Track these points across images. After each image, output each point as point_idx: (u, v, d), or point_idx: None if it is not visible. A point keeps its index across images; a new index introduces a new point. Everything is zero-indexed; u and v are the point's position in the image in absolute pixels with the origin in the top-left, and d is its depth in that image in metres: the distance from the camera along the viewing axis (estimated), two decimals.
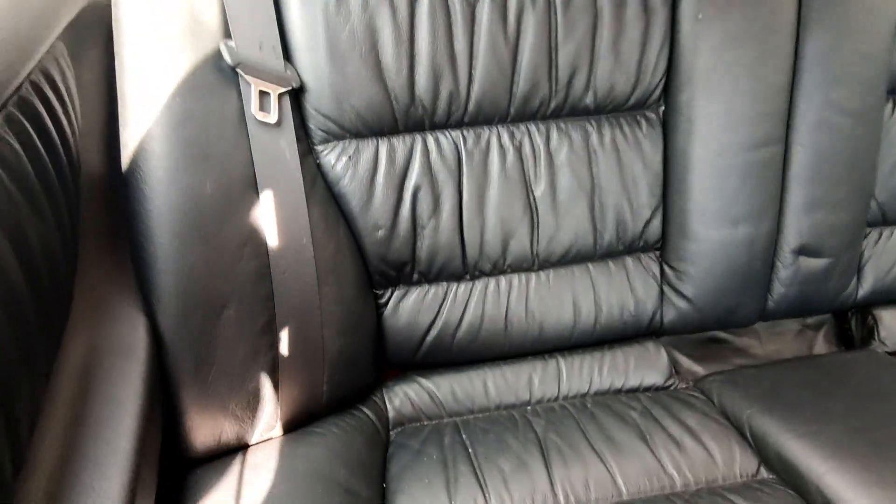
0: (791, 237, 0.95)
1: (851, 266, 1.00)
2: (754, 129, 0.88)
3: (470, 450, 0.80)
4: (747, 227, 0.92)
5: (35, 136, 0.46)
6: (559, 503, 0.74)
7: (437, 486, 0.74)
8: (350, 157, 0.80)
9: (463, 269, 0.89)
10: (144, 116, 0.63)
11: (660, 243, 0.96)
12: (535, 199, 0.89)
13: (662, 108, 0.91)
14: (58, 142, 0.50)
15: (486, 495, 0.74)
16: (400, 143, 0.83)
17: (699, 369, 1.03)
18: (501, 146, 0.87)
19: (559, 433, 0.83)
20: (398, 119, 0.81)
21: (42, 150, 0.47)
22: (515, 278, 0.92)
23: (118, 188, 0.63)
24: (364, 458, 0.77)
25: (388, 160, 0.82)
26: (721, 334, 1.07)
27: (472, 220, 0.87)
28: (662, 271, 0.96)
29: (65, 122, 0.52)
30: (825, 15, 0.86)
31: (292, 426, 0.77)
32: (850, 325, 1.09)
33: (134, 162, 0.62)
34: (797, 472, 0.75)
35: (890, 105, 0.96)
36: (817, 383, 0.89)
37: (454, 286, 0.90)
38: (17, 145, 0.43)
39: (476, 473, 0.76)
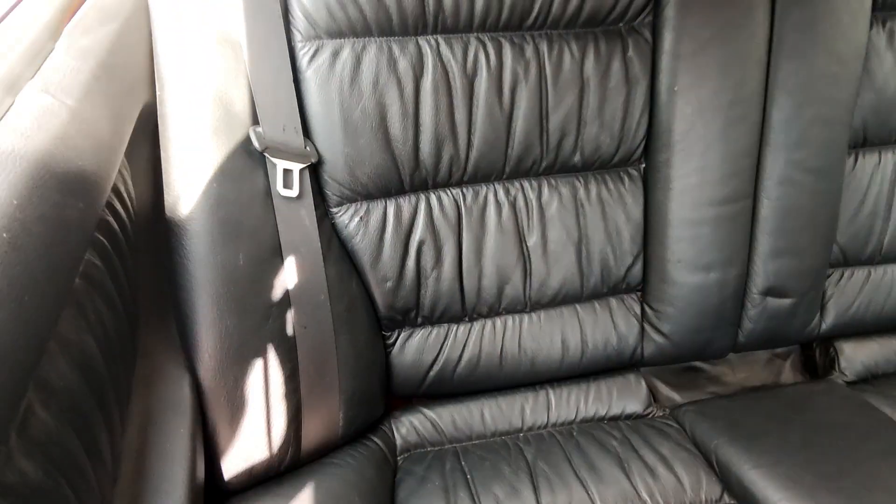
0: (759, 280, 1.05)
1: (815, 303, 1.10)
2: (725, 186, 0.97)
3: (468, 476, 0.91)
4: (719, 272, 1.01)
5: (109, 247, 0.55)
6: None
7: None
8: (361, 217, 0.90)
9: (462, 312, 0.99)
10: (186, 200, 0.72)
11: (641, 286, 1.06)
12: (528, 249, 0.98)
13: (643, 165, 1.01)
14: (122, 240, 0.60)
15: None
16: (406, 203, 0.92)
17: (676, 396, 1.14)
18: (497, 201, 0.96)
19: (547, 461, 0.93)
20: (404, 181, 0.91)
21: (114, 255, 0.56)
22: (510, 319, 1.02)
23: (164, 264, 0.72)
24: (375, 485, 0.87)
25: (395, 218, 0.92)
26: (697, 364, 1.17)
27: (471, 269, 0.97)
28: (643, 311, 1.06)
29: (126, 220, 0.62)
30: (789, 84, 0.95)
31: (313, 457, 0.87)
32: (815, 354, 1.20)
33: (177, 240, 0.72)
34: (755, 499, 0.85)
35: (851, 159, 1.06)
36: (779, 414, 0.99)
37: (455, 327, 1.00)
38: (98, 262, 0.52)
39: (474, 499, 0.87)
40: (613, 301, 1.05)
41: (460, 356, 1.00)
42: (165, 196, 0.72)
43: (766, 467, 0.88)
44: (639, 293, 1.07)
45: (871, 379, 1.12)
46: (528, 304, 1.01)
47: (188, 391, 0.70)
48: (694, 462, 0.93)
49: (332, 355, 0.85)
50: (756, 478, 0.87)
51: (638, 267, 1.04)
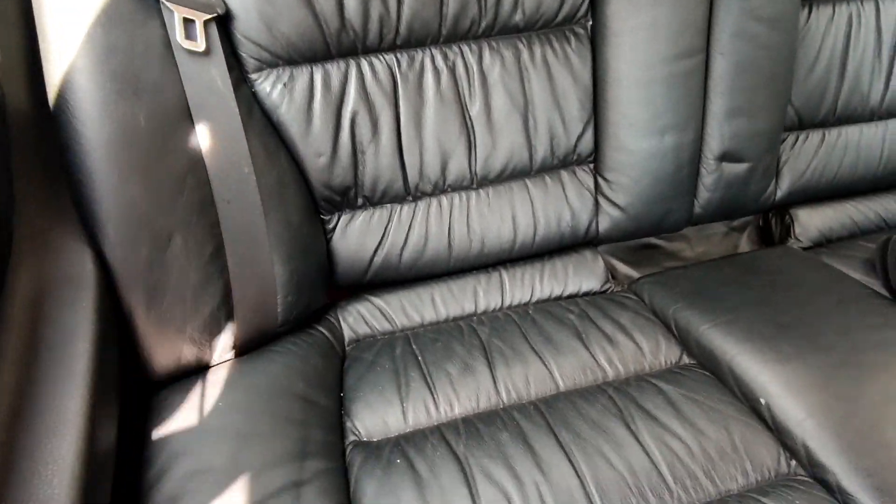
0: (714, 144, 1.01)
1: (770, 169, 1.07)
2: (677, 40, 0.91)
3: (419, 358, 0.86)
4: (673, 136, 0.97)
5: None
6: (501, 399, 0.81)
7: (389, 392, 0.80)
8: (285, 84, 0.81)
9: (405, 191, 0.92)
10: (67, 50, 0.62)
11: (593, 157, 1.00)
12: (470, 119, 0.92)
13: (590, 23, 0.93)
14: None
15: (435, 396, 0.80)
16: (334, 69, 0.84)
17: (634, 273, 1.11)
18: (435, 67, 0.89)
19: (502, 338, 0.89)
20: (330, 44, 0.82)
21: None
22: (456, 197, 0.96)
23: (47, 123, 0.63)
24: (321, 371, 0.82)
25: (323, 86, 0.83)
26: (654, 240, 1.14)
27: (411, 142, 0.90)
28: (596, 183, 1.01)
29: None
30: None
31: (250, 347, 0.81)
32: (771, 224, 1.18)
33: (61, 97, 0.63)
34: (713, 356, 0.83)
35: (805, 11, 1.01)
36: (736, 278, 0.97)
37: (398, 208, 0.93)
38: None
39: (425, 378, 0.83)
40: (565, 174, 1.00)
41: (406, 239, 0.94)
42: (41, 44, 0.62)
43: (723, 325, 0.86)
44: (591, 165, 1.01)
45: (826, 243, 1.11)
46: (474, 181, 0.95)
47: (91, 266, 0.62)
48: (653, 328, 0.91)
49: (263, 233, 0.78)
50: (714, 335, 0.85)
51: (589, 135, 0.98)
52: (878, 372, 0.75)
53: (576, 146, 0.98)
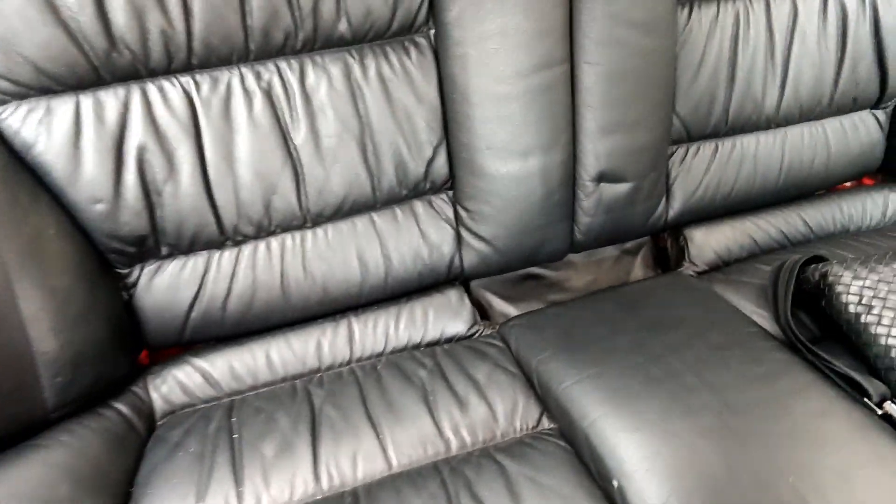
0: (589, 164, 0.89)
1: (658, 187, 0.96)
2: (533, 49, 0.79)
3: (235, 435, 0.73)
4: (539, 158, 0.84)
5: None
6: (321, 487, 0.68)
7: (185, 486, 0.67)
8: (41, 119, 0.66)
9: (221, 235, 0.78)
10: None
11: (449, 183, 0.88)
12: (295, 148, 0.78)
13: (432, 31, 0.80)
14: None
15: (240, 490, 0.67)
16: (109, 97, 0.69)
17: (511, 310, 0.99)
18: (246, 90, 0.75)
19: (337, 404, 0.76)
20: (99, 68, 0.67)
21: None
22: (288, 238, 0.82)
23: None
24: (102, 465, 0.68)
25: (95, 119, 0.69)
26: (536, 270, 1.03)
27: (222, 178, 0.76)
28: (456, 213, 0.89)
29: None
30: None
31: (11, 443, 0.67)
32: (667, 245, 1.07)
33: None
34: (571, 421, 0.72)
35: (685, 12, 0.89)
36: (615, 317, 0.85)
37: (216, 255, 0.80)
38: None
39: (234, 464, 0.69)
40: (419, 205, 0.87)
41: (229, 290, 0.80)
42: None
43: (587, 380, 0.74)
44: (449, 192, 0.89)
45: (722, 266, 1.01)
46: (307, 219, 0.82)
47: None
48: (512, 384, 0.79)
49: (13, 308, 0.63)
50: (574, 394, 0.73)
51: (441, 160, 0.85)
52: (753, 444, 0.64)
53: (427, 173, 0.85)
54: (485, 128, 0.82)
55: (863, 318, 0.78)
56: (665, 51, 0.86)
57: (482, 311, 0.99)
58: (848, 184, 1.15)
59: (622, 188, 0.92)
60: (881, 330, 0.77)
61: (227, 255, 0.80)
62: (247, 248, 0.81)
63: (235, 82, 0.74)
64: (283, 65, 0.76)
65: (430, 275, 0.90)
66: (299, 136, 0.78)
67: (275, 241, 0.82)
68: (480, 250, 0.90)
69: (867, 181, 1.17)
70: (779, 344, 0.78)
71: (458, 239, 0.90)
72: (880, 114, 1.06)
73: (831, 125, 1.04)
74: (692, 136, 0.96)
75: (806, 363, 0.76)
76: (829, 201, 1.08)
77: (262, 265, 0.81)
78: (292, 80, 0.76)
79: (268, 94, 0.75)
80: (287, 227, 0.82)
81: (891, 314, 0.78)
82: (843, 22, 0.96)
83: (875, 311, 0.78)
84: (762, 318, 0.87)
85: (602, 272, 1.05)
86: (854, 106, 1.03)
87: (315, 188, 0.80)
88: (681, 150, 0.97)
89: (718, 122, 0.96)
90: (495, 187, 0.85)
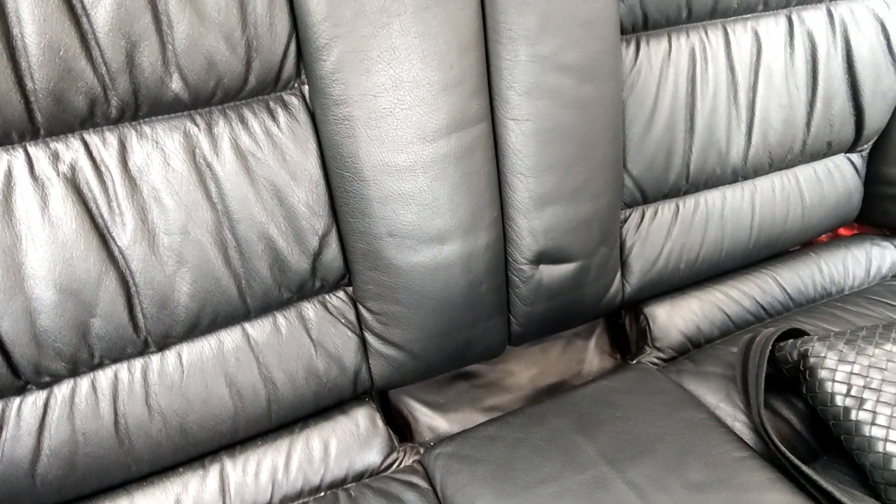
0: (524, 244, 0.70)
1: (610, 262, 0.78)
2: (440, 106, 0.60)
3: None
4: (459, 242, 0.65)
5: None
6: None
7: None
8: None
9: (15, 378, 0.56)
10: None
11: (347, 279, 0.68)
12: (120, 251, 0.57)
13: (306, 87, 0.61)
14: None
15: None
16: None
17: (441, 423, 0.79)
18: (36, 177, 0.53)
19: None
20: None
21: None
22: (123, 371, 0.61)
23: None
24: None
25: None
26: (468, 367, 0.83)
27: (6, 304, 0.54)
28: (358, 315, 0.69)
29: None
30: None
31: None
32: (625, 323, 0.89)
33: None
34: None
35: (631, 49, 0.72)
36: (565, 442, 0.66)
37: (13, 405, 0.57)
38: None
39: None
40: (308, 309, 0.67)
41: (37, 449, 0.58)
42: None
43: None
44: (348, 289, 0.69)
45: (692, 350, 0.84)
46: (148, 343, 0.60)
47: None
48: None
49: None
50: None
51: (333, 251, 0.65)
52: None
53: (315, 269, 0.65)
54: (385, 210, 0.62)
55: (853, 415, 0.63)
56: (609, 99, 0.69)
57: (404, 427, 0.79)
58: (823, 236, 1.00)
59: (566, 269, 0.74)
60: (877, 432, 0.61)
61: (31, 402, 0.58)
62: (61, 391, 0.59)
63: (20, 168, 0.53)
64: (93, 140, 0.55)
65: (330, 393, 0.69)
66: (125, 234, 0.56)
67: (103, 377, 0.60)
68: (393, 358, 0.70)
69: (844, 232, 1.02)
70: (776, 477, 0.60)
71: (364, 346, 0.70)
72: (856, 158, 0.92)
73: (804, 173, 0.89)
74: (648, 197, 0.79)
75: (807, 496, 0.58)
76: (806, 261, 0.93)
77: (86, 410, 0.59)
78: (108, 159, 0.55)
79: (71, 180, 0.54)
80: (119, 357, 0.60)
81: (887, 411, 0.62)
82: (813, 55, 0.81)
83: (867, 407, 0.63)
84: (745, 425, 0.69)
85: (549, 363, 0.86)
86: (829, 151, 0.88)
87: (155, 302, 0.59)
88: (636, 215, 0.80)
89: (678, 178, 0.79)
90: (405, 282, 0.66)
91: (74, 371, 0.58)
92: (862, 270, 0.93)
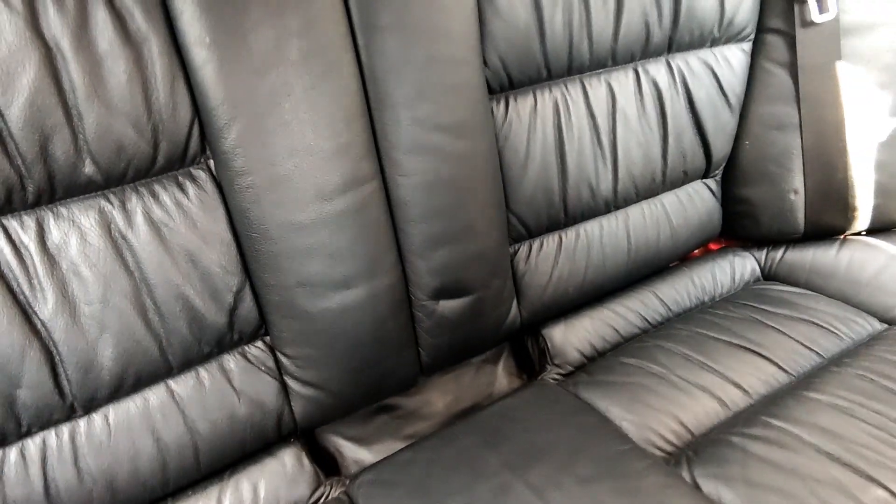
0: (423, 283, 0.79)
1: (505, 292, 0.87)
2: (333, 169, 0.69)
3: None
4: (363, 286, 0.73)
5: None
6: None
7: None
8: None
9: None
10: None
11: (264, 329, 0.74)
12: (43, 324, 0.61)
13: (211, 161, 0.68)
14: None
15: None
16: None
17: (366, 456, 0.85)
18: None
19: None
20: None
21: None
22: (51, 437, 0.64)
23: None
24: None
25: None
26: (388, 400, 0.90)
27: None
28: (277, 361, 0.75)
29: None
30: (385, 19, 0.69)
31: None
32: (528, 346, 0.99)
33: None
34: None
35: (501, 106, 0.83)
36: (473, 456, 0.73)
37: None
38: None
39: None
40: (229, 360, 0.73)
41: None
42: None
43: None
44: (266, 338, 0.75)
45: (587, 363, 0.94)
46: (74, 407, 0.65)
47: None
48: None
49: None
50: None
51: (247, 305, 0.71)
52: None
53: (232, 323, 0.71)
54: (293, 263, 0.70)
55: None
56: (484, 151, 0.79)
57: (332, 462, 0.85)
58: (696, 251, 1.14)
59: (465, 301, 0.83)
60: None
61: None
62: None
63: None
64: (11, 224, 0.60)
65: (256, 438, 0.75)
66: (46, 308, 0.61)
67: (31, 444, 0.63)
68: (313, 398, 0.76)
69: (713, 246, 1.16)
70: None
71: (285, 390, 0.75)
72: (711, 183, 1.06)
73: (668, 200, 1.02)
74: (533, 232, 0.90)
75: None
76: (680, 275, 1.05)
77: (15, 479, 0.62)
78: (27, 240, 0.60)
79: None
80: (47, 424, 0.64)
81: None
82: (660, 100, 0.95)
83: None
84: (632, 423, 0.79)
85: (463, 389, 0.94)
86: (686, 178, 1.02)
87: (79, 368, 0.63)
88: (524, 248, 0.90)
89: (557, 213, 0.90)
90: (317, 327, 0.73)
91: (3, 442, 0.62)
92: (728, 279, 1.07)
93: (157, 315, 0.66)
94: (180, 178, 0.67)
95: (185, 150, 0.66)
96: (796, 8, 0.94)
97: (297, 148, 0.66)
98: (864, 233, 1.04)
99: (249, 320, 0.72)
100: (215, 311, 0.69)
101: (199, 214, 0.67)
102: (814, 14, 0.93)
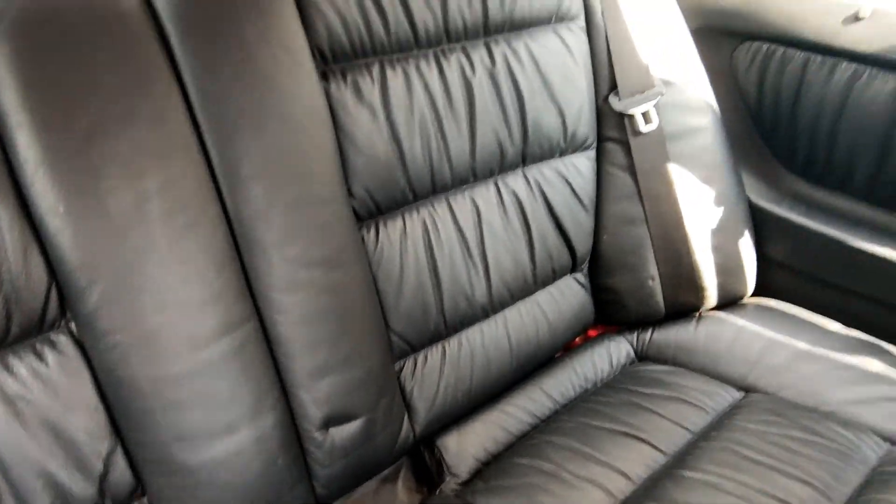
0: (311, 414, 0.79)
1: (394, 410, 0.89)
2: (205, 318, 0.69)
3: None
4: (248, 428, 0.72)
5: None
6: None
7: None
8: None
9: None
10: None
11: (140, 489, 0.71)
12: None
13: (72, 322, 0.66)
14: None
15: None
16: None
17: None
18: None
19: None
20: None
21: None
22: None
23: None
24: None
25: None
26: None
27: None
28: None
29: None
30: (246, 169, 0.72)
31: None
32: (425, 458, 0.99)
33: None
34: None
35: (371, 234, 0.87)
36: None
37: None
38: None
39: None
40: None
41: None
42: None
43: None
44: (143, 499, 0.71)
45: (483, 468, 0.95)
46: None
47: None
48: None
49: None
50: None
51: (121, 467, 0.68)
52: None
53: (103, 491, 0.67)
54: (168, 417, 0.68)
55: None
56: (359, 279, 0.83)
57: None
58: (577, 340, 1.21)
59: (355, 426, 0.83)
60: None
61: None
62: None
63: None
64: None
65: None
66: None
67: None
68: None
69: (592, 333, 1.24)
70: None
71: None
72: (579, 276, 1.15)
73: (542, 297, 1.09)
74: (415, 346, 0.93)
75: None
76: (563, 366, 1.11)
77: None
78: None
79: None
80: None
81: None
82: (521, 209, 1.03)
83: None
84: None
85: None
86: (556, 276, 1.10)
87: None
88: (409, 364, 0.92)
89: (437, 325, 0.94)
90: (200, 479, 0.70)
91: None
92: (606, 364, 1.14)
93: (13, 497, 0.62)
94: (38, 346, 0.64)
95: (42, 316, 0.64)
96: (626, 120, 1.07)
97: (165, 302, 0.66)
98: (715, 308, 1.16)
99: (123, 484, 0.69)
100: (83, 482, 0.65)
101: (61, 381, 0.64)
102: (640, 125, 1.06)
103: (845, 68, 0.97)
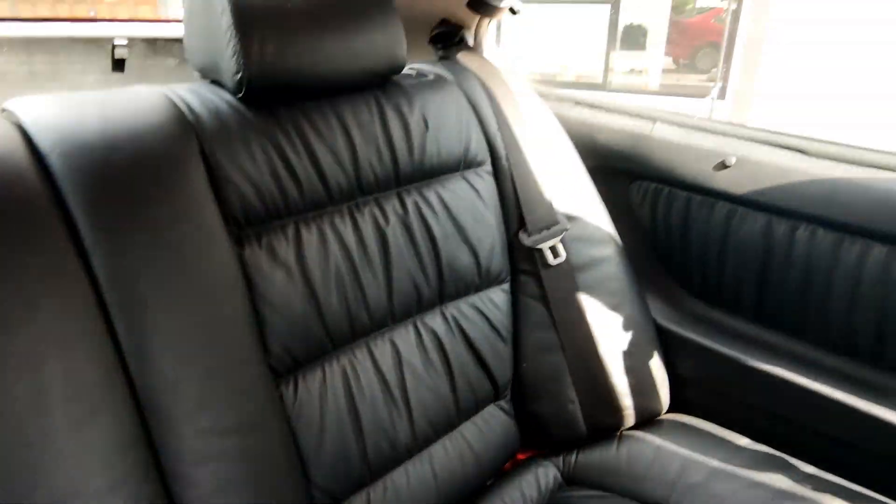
0: None
1: None
2: (113, 500, 0.67)
3: None
4: None
5: None
6: None
7: None
8: None
9: None
10: None
11: None
12: None
13: None
14: None
15: None
16: None
17: None
18: None
19: None
20: None
21: None
22: None
23: None
24: None
25: None
26: None
27: None
28: None
29: None
30: (157, 343, 0.73)
31: None
32: None
33: None
34: None
35: (290, 390, 0.88)
36: None
37: None
38: None
39: None
40: None
41: None
42: None
43: None
44: None
45: None
46: None
47: None
48: None
49: None
50: None
51: None
52: None
53: None
54: None
55: None
56: (276, 441, 0.82)
57: None
58: (507, 465, 1.22)
59: None
60: None
61: None
62: None
63: None
64: None
65: None
66: None
67: None
68: None
69: (521, 456, 1.25)
70: None
71: None
72: (503, 403, 1.18)
73: (467, 429, 1.10)
74: (339, 496, 0.92)
75: None
76: (492, 497, 1.11)
77: None
78: None
79: None
80: None
81: None
82: (440, 345, 1.06)
83: None
84: None
85: None
86: (479, 406, 1.12)
87: None
88: None
89: (361, 473, 0.94)
90: None
91: None
92: (535, 491, 1.15)
93: None
94: None
95: None
96: (536, 255, 1.14)
97: (63, 492, 0.64)
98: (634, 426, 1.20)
99: None
100: None
101: None
102: (550, 259, 1.13)
103: (722, 206, 1.08)
